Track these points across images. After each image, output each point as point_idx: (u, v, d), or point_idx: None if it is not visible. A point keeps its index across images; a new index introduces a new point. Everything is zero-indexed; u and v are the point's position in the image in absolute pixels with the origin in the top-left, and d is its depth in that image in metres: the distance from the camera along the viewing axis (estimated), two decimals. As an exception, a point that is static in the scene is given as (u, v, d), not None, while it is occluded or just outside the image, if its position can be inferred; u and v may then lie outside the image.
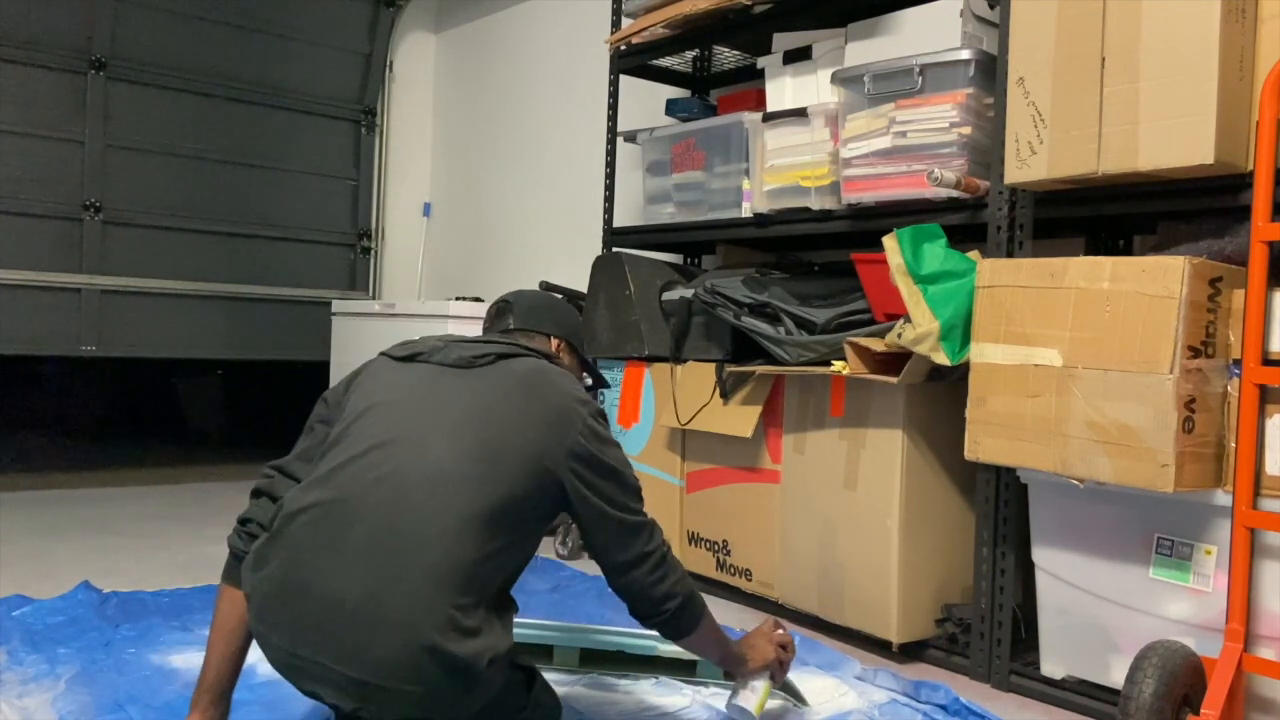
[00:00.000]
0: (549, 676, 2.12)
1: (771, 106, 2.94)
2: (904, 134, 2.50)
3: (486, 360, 1.60)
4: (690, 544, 3.00)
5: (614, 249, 3.43)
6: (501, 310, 1.86)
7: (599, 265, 3.27)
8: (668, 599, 1.59)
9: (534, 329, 1.81)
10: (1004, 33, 2.28)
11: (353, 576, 1.40)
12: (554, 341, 1.84)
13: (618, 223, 3.51)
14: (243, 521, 1.59)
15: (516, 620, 2.18)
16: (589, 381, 1.99)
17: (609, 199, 3.53)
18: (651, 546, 1.58)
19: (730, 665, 1.82)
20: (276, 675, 1.55)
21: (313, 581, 1.41)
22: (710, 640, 1.72)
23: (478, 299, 4.42)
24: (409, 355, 1.65)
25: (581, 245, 4.15)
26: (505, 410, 1.53)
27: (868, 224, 2.64)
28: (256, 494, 1.61)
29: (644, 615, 1.62)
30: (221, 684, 1.57)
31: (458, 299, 4.23)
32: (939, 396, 2.41)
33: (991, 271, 2.15)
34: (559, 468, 1.52)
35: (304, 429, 1.68)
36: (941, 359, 2.20)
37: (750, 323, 2.68)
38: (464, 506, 1.44)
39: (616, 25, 3.50)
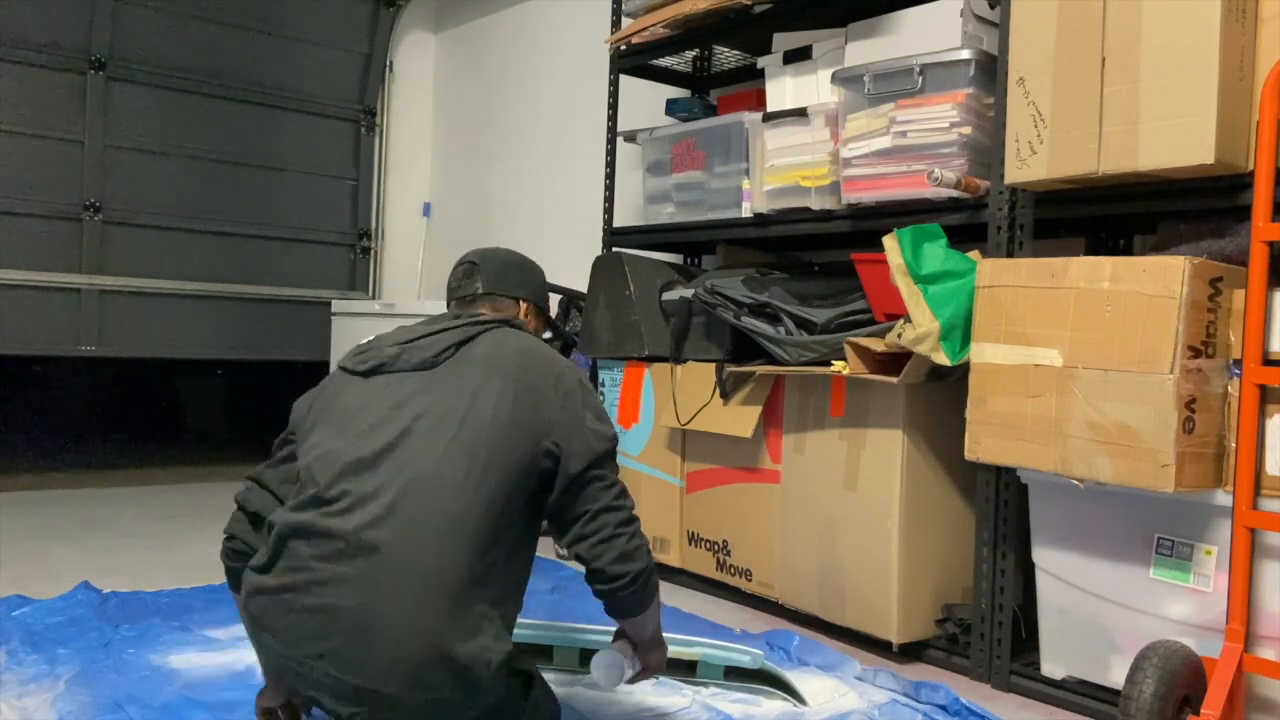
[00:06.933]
0: (548, 676, 2.12)
1: (771, 106, 2.94)
2: (904, 134, 2.50)
3: (447, 355, 1.61)
4: (690, 544, 3.00)
5: (614, 249, 3.42)
6: (470, 272, 1.83)
7: (599, 265, 3.27)
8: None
9: (502, 294, 1.82)
10: (1004, 33, 2.28)
11: (344, 590, 1.42)
12: (522, 305, 1.85)
13: (618, 223, 3.51)
14: (229, 537, 1.64)
15: (517, 620, 2.19)
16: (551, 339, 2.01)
17: (609, 199, 3.52)
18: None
19: (654, 642, 1.79)
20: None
21: (306, 598, 1.44)
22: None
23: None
24: (371, 368, 1.63)
25: (581, 245, 4.14)
26: (480, 403, 1.54)
27: (868, 224, 2.64)
28: (239, 506, 1.67)
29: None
30: None
31: (458, 299, 4.22)
32: (939, 396, 2.41)
33: (992, 271, 2.15)
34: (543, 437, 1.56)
35: (282, 438, 1.71)
36: (941, 359, 2.20)
37: (750, 323, 2.68)
38: (453, 510, 1.46)
39: (616, 25, 3.49)
